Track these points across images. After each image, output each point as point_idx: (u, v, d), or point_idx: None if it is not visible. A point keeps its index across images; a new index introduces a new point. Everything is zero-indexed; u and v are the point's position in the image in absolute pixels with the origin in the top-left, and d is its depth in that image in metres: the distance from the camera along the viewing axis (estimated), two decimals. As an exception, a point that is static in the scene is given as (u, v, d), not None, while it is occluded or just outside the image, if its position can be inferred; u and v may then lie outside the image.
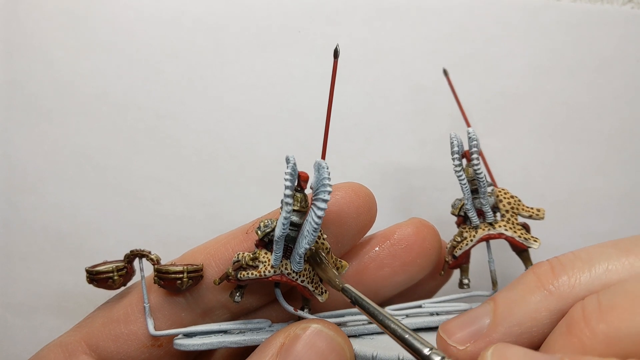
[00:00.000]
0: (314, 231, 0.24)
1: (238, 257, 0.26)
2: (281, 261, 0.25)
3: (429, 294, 0.33)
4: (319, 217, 0.24)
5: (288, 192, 0.24)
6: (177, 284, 0.26)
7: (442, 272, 0.31)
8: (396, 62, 0.38)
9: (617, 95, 0.38)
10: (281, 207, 0.25)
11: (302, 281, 0.25)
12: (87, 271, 0.27)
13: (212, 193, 0.38)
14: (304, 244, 0.24)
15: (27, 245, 0.37)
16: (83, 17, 0.38)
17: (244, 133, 0.38)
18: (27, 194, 0.37)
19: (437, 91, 0.33)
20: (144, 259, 0.28)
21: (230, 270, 0.26)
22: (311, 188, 0.25)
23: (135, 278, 0.29)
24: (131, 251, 0.28)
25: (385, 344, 0.27)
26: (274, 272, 0.25)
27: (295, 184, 0.25)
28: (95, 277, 0.27)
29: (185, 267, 0.27)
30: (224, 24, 0.38)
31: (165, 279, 0.27)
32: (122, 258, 0.28)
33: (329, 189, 0.23)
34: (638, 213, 0.38)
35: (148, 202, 0.38)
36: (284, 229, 0.24)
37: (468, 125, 0.31)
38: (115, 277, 0.27)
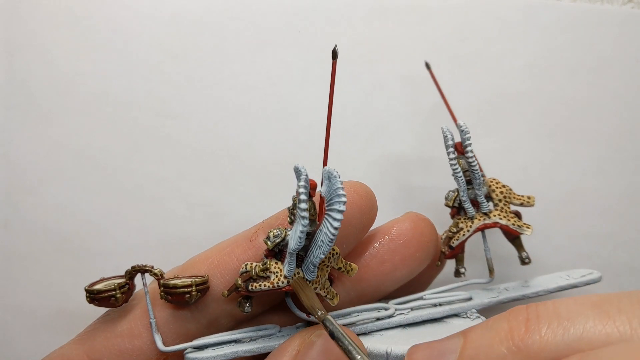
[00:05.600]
0: (329, 242, 0.23)
1: (246, 268, 0.25)
2: None
3: (424, 285, 0.34)
4: (335, 228, 0.23)
5: (303, 205, 0.23)
6: (186, 298, 0.26)
7: (439, 263, 0.31)
8: (396, 62, 0.38)
9: (617, 95, 0.38)
10: (291, 216, 0.25)
11: (315, 288, 0.25)
12: (87, 291, 0.26)
13: (212, 193, 0.38)
14: (319, 254, 0.24)
15: (27, 245, 0.37)
16: (83, 17, 0.38)
17: (244, 133, 0.38)
18: (27, 194, 0.37)
19: (437, 91, 0.33)
20: (146, 274, 0.27)
21: (239, 282, 0.25)
22: (321, 196, 0.24)
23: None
24: (132, 267, 0.27)
25: (397, 339, 0.27)
26: (287, 282, 0.24)
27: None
28: (97, 297, 0.26)
29: (193, 281, 0.26)
30: (224, 23, 0.38)
31: (173, 294, 0.26)
32: (120, 270, 0.27)
33: (343, 199, 0.23)
34: (638, 213, 0.38)
35: (148, 202, 0.38)
36: (300, 242, 0.24)
37: (454, 119, 0.31)
38: (118, 295, 0.26)
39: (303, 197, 0.23)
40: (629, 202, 0.38)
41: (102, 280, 0.27)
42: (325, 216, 0.24)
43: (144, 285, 0.27)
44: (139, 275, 0.27)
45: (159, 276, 0.27)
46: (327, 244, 0.24)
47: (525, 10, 0.38)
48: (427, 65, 0.34)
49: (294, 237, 0.24)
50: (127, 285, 0.27)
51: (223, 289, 0.27)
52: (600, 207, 0.38)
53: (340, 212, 0.23)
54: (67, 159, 0.37)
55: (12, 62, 0.37)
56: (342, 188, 0.23)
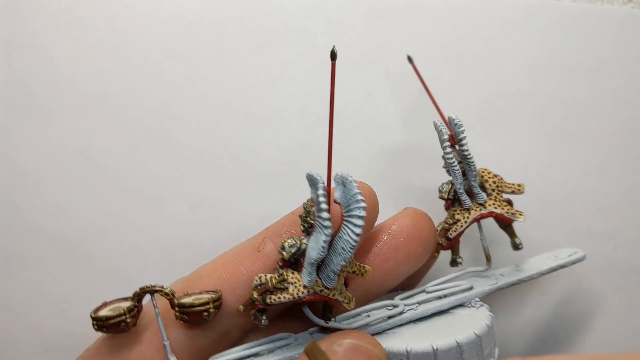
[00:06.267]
0: (351, 248, 0.23)
1: (261, 280, 0.25)
2: None
3: (420, 276, 0.34)
4: (357, 234, 0.23)
5: (325, 215, 0.23)
6: (204, 316, 0.25)
7: (436, 254, 0.31)
8: (396, 62, 0.38)
9: (617, 95, 0.38)
10: (304, 224, 0.24)
11: (334, 295, 0.25)
12: (95, 318, 0.25)
13: (212, 193, 0.38)
14: (339, 262, 0.24)
15: (27, 246, 0.37)
16: (83, 17, 0.38)
17: (244, 133, 0.38)
18: (27, 195, 0.37)
19: (437, 90, 0.33)
20: (156, 294, 0.25)
21: (255, 296, 0.25)
22: (335, 202, 0.24)
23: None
24: (141, 288, 0.25)
25: (413, 336, 0.27)
26: (308, 292, 0.24)
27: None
28: (106, 324, 0.25)
29: (210, 297, 0.25)
30: (224, 23, 0.38)
31: (190, 313, 0.25)
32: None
33: (363, 204, 0.23)
34: (638, 213, 0.38)
35: (148, 202, 0.38)
36: (322, 253, 0.23)
37: (438, 110, 0.32)
38: (128, 320, 0.25)
39: (324, 206, 0.23)
40: (629, 202, 0.38)
41: (105, 304, 0.26)
42: (345, 223, 0.23)
43: (155, 306, 0.25)
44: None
45: (170, 296, 0.25)
46: (349, 251, 0.23)
47: (525, 10, 0.38)
48: (410, 59, 0.33)
49: (316, 248, 0.23)
50: (136, 308, 0.25)
51: (234, 303, 0.26)
52: (600, 207, 0.38)
53: (361, 217, 0.23)
54: (67, 159, 0.37)
55: (12, 62, 0.37)
56: (360, 193, 0.23)
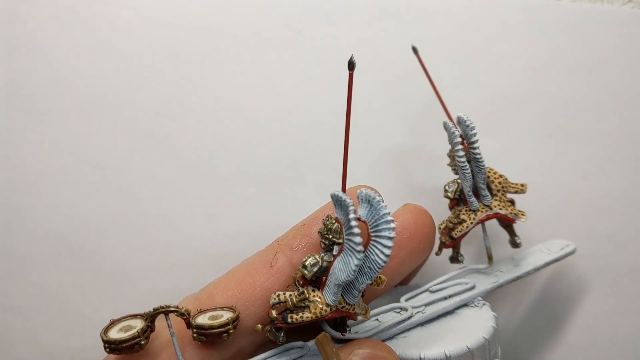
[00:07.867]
0: (379, 268, 0.23)
1: (279, 299, 0.24)
2: None
3: (415, 271, 0.34)
4: (387, 255, 0.23)
5: (359, 239, 0.22)
6: (224, 337, 0.25)
7: (439, 252, 0.31)
8: (396, 63, 0.38)
9: (617, 95, 0.38)
10: (325, 241, 0.24)
11: (354, 309, 0.25)
12: (108, 342, 0.24)
13: (211, 193, 0.38)
14: (365, 280, 0.24)
15: (27, 245, 0.37)
16: (83, 17, 0.38)
17: (244, 133, 0.38)
18: (26, 195, 0.37)
19: (438, 91, 0.33)
20: (170, 315, 0.25)
21: (274, 315, 0.24)
22: (360, 220, 0.23)
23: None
24: (155, 309, 0.25)
25: (423, 341, 0.27)
26: (330, 310, 0.24)
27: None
28: (119, 347, 0.24)
29: (229, 318, 0.25)
30: (224, 24, 0.38)
31: (210, 334, 0.24)
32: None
33: (392, 225, 0.22)
34: (638, 213, 0.38)
35: (147, 202, 0.38)
36: (353, 275, 0.23)
37: (444, 107, 0.31)
38: (142, 342, 0.24)
39: (356, 230, 0.22)
40: (629, 202, 0.38)
41: (113, 323, 0.25)
42: (373, 243, 0.23)
43: (170, 326, 0.25)
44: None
45: (186, 316, 0.25)
46: (376, 271, 0.23)
47: (525, 10, 0.38)
48: (415, 50, 0.33)
49: (345, 271, 0.23)
50: (149, 328, 0.25)
51: (249, 321, 0.26)
52: (600, 207, 0.38)
53: (391, 239, 0.23)
54: (67, 159, 0.37)
55: (12, 62, 0.37)
56: (389, 214, 0.23)
